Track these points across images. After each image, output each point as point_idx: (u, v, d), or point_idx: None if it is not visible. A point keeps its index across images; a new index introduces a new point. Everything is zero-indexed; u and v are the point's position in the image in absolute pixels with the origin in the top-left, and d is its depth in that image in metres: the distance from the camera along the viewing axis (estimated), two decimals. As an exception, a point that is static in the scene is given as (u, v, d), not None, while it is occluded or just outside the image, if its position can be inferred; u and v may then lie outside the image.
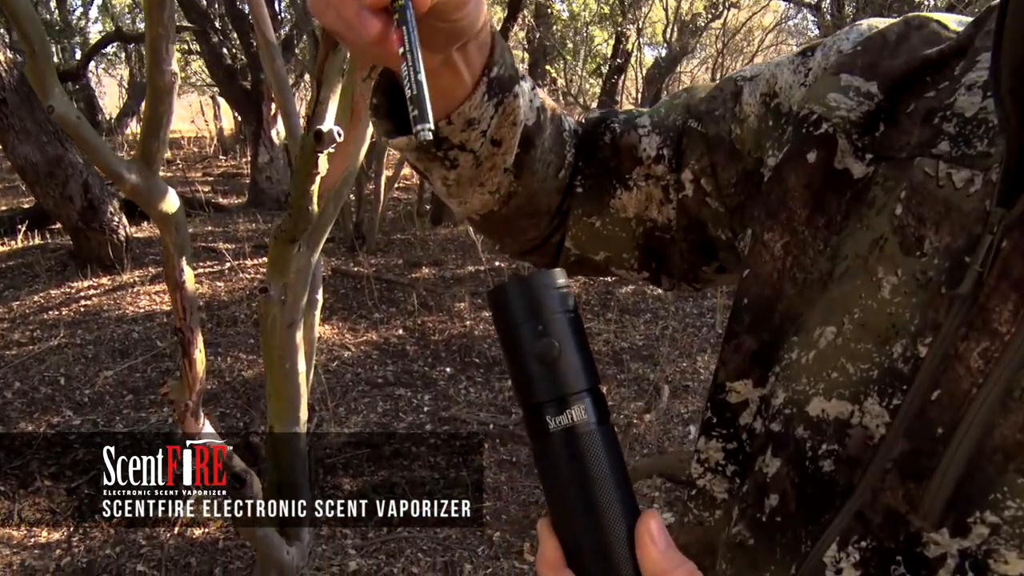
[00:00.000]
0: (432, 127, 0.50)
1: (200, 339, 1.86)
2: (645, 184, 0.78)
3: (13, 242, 6.98)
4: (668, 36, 10.72)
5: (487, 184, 0.73)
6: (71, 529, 3.07)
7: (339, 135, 1.66)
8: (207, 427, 2.13)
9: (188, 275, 1.74)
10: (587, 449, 0.47)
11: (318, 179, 1.83)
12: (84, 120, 1.35)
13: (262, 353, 2.21)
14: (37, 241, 7.08)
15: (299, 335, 2.26)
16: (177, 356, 4.63)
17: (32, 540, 3.00)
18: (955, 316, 0.51)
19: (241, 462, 2.24)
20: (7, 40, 5.59)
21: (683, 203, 0.76)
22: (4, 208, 8.86)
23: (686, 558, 0.46)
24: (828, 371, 0.56)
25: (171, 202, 1.60)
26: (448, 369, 4.71)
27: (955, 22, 0.63)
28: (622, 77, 11.57)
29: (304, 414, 2.37)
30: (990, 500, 0.47)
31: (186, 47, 12.04)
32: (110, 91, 18.09)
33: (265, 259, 6.64)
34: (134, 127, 16.30)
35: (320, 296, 2.44)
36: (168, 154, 14.49)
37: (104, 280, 6.06)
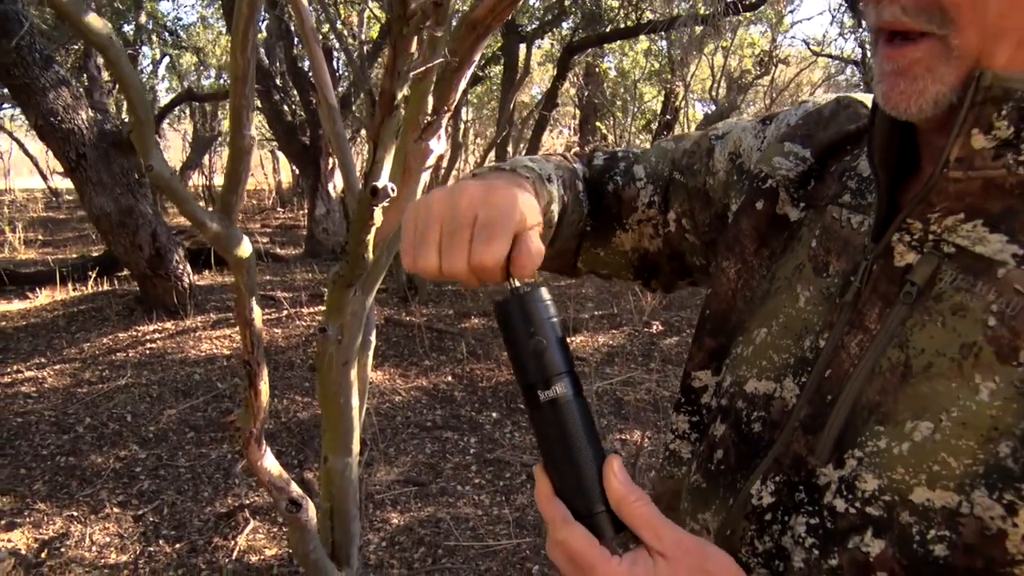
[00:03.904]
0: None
1: (265, 371, 2.07)
2: (638, 227, 1.00)
3: (84, 287, 7.34)
4: (714, 93, 10.92)
5: None
6: (137, 552, 3.28)
7: (392, 190, 1.86)
8: (268, 455, 2.32)
9: (256, 313, 1.95)
10: (567, 413, 0.67)
11: (373, 230, 2.03)
12: (176, 176, 1.58)
13: (318, 389, 2.39)
14: (106, 287, 7.43)
15: (353, 373, 2.45)
16: (240, 391, 4.87)
17: (102, 561, 3.21)
18: (843, 318, 0.71)
19: (298, 488, 2.43)
20: (88, 101, 5.98)
21: (667, 237, 0.98)
22: (75, 255, 9.28)
23: (639, 488, 0.65)
24: (760, 360, 0.77)
25: (245, 248, 1.82)
26: (494, 414, 4.88)
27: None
28: (671, 133, 11.79)
29: (356, 447, 2.55)
30: (858, 442, 0.66)
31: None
32: (173, 144, 18.78)
33: (320, 307, 6.91)
34: (196, 179, 16.93)
35: (373, 338, 2.63)
36: (229, 206, 14.99)
37: (168, 324, 6.36)
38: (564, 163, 1.01)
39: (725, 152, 0.93)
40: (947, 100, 0.62)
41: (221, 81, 16.82)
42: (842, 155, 0.81)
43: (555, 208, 0.89)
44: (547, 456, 0.68)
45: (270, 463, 2.34)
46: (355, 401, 2.48)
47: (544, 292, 0.69)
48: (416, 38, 1.85)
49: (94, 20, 1.34)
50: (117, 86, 9.86)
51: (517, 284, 0.69)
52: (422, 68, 1.85)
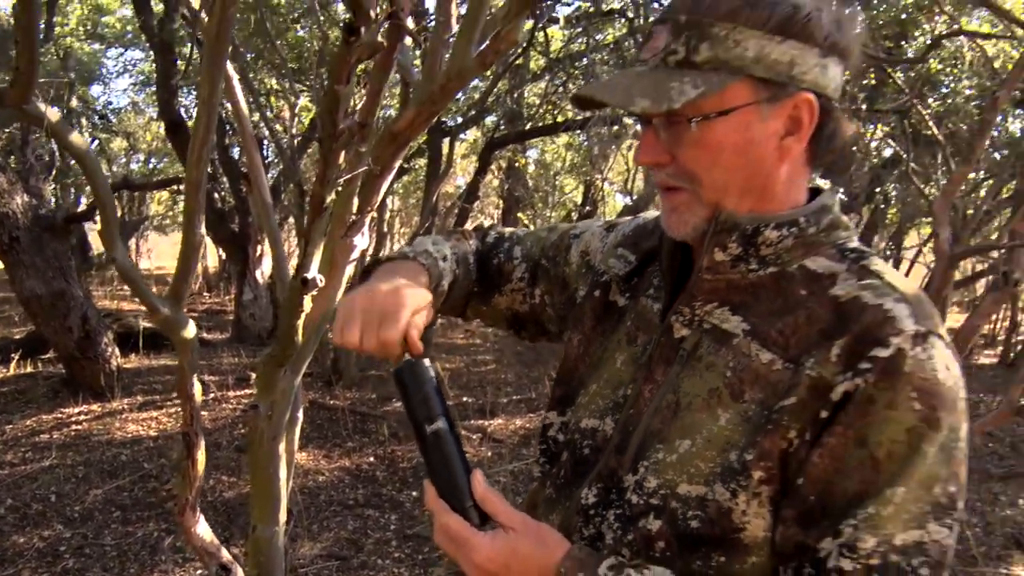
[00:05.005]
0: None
1: (202, 442, 2.29)
2: (512, 293, 1.32)
3: (6, 370, 7.35)
4: (629, 187, 11.48)
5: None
6: (66, 626, 3.38)
7: (320, 281, 2.13)
8: (202, 522, 2.52)
9: (197, 388, 2.18)
10: (445, 440, 0.98)
11: (303, 316, 2.29)
12: (136, 268, 1.83)
13: (249, 461, 2.59)
14: (29, 369, 7.45)
15: (281, 447, 2.66)
16: (167, 472, 4.98)
17: (31, 634, 3.31)
18: (641, 374, 1.03)
19: (228, 554, 2.62)
20: (24, 186, 6.14)
21: (532, 306, 1.31)
22: (-4, 339, 9.23)
23: (495, 490, 0.96)
24: (592, 405, 1.09)
25: (190, 330, 2.07)
26: (415, 493, 5.07)
27: None
28: (590, 224, 12.22)
29: (283, 516, 2.75)
30: (647, 456, 0.98)
31: (173, 187, 12.65)
32: (94, 227, 18.66)
33: (247, 390, 7.05)
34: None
35: (300, 415, 2.85)
36: (154, 290, 14.96)
37: (94, 407, 6.43)
38: (460, 241, 1.34)
39: (578, 250, 1.26)
40: (701, 229, 0.97)
41: (150, 165, 16.95)
42: (656, 260, 1.14)
43: (445, 282, 1.21)
44: (432, 471, 0.98)
45: (203, 530, 2.54)
46: (283, 473, 2.68)
47: (426, 361, 1.01)
48: (344, 150, 2.14)
49: (75, 137, 1.61)
50: (53, 172, 9.99)
51: (408, 357, 1.00)
52: (348, 176, 2.14)
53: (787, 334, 0.92)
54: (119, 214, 16.38)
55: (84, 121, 14.50)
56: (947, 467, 0.86)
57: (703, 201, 0.96)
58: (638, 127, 1.06)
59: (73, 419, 6.16)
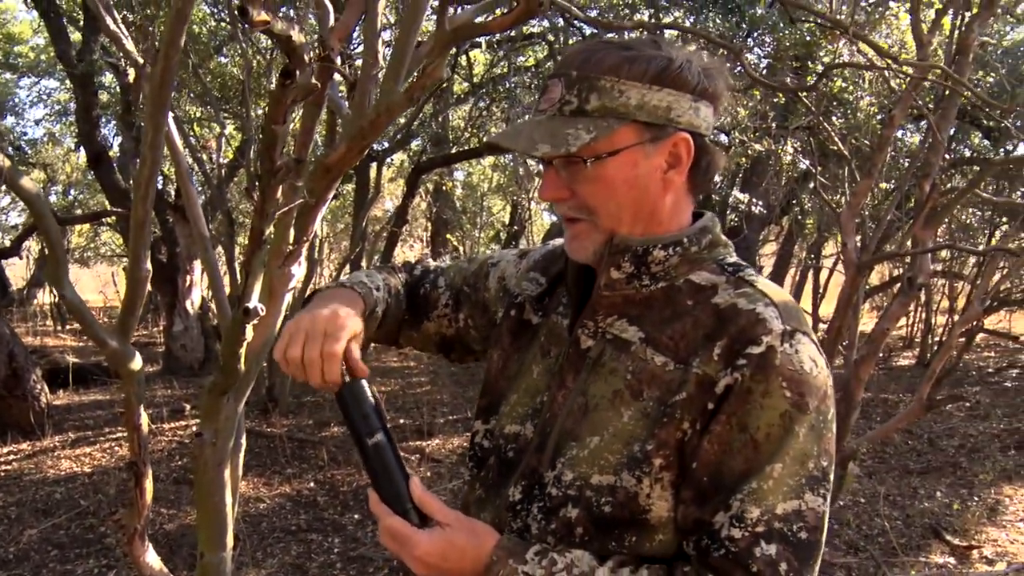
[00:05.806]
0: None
1: (150, 472, 2.34)
2: (438, 319, 1.44)
3: (-71, 413, 7.19)
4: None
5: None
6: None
7: (261, 310, 2.22)
8: (151, 551, 2.57)
9: (144, 419, 2.24)
10: (384, 451, 1.09)
11: (245, 344, 2.36)
12: (84, 304, 1.90)
13: (195, 489, 2.64)
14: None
15: (226, 473, 2.72)
16: (105, 507, 4.95)
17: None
18: (555, 382, 1.16)
19: (176, 581, 2.67)
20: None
21: (458, 329, 1.44)
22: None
23: (431, 493, 1.08)
24: (513, 413, 1.21)
25: (137, 362, 2.13)
26: (356, 515, 5.13)
27: None
28: (518, 243, 12.42)
29: (230, 541, 2.80)
30: (563, 453, 1.11)
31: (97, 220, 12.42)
32: (12, 262, 18.23)
33: (182, 423, 7.02)
34: (42, 297, 16.54)
35: (244, 441, 2.91)
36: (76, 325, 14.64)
37: (24, 445, 6.34)
38: (391, 275, 1.45)
39: (496, 277, 1.40)
40: (599, 253, 1.12)
41: (70, 197, 16.61)
42: (564, 281, 1.27)
43: (379, 309, 1.32)
44: (374, 479, 1.10)
45: (152, 559, 2.59)
46: (228, 499, 2.74)
47: (364, 383, 1.13)
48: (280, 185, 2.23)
49: (26, 182, 1.68)
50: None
51: (348, 378, 1.12)
52: (285, 209, 2.23)
53: (676, 339, 1.07)
54: (36, 248, 16.06)
55: (-1, 154, 14.16)
56: (818, 444, 1.02)
57: (600, 229, 1.11)
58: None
59: (2, 459, 6.07)
